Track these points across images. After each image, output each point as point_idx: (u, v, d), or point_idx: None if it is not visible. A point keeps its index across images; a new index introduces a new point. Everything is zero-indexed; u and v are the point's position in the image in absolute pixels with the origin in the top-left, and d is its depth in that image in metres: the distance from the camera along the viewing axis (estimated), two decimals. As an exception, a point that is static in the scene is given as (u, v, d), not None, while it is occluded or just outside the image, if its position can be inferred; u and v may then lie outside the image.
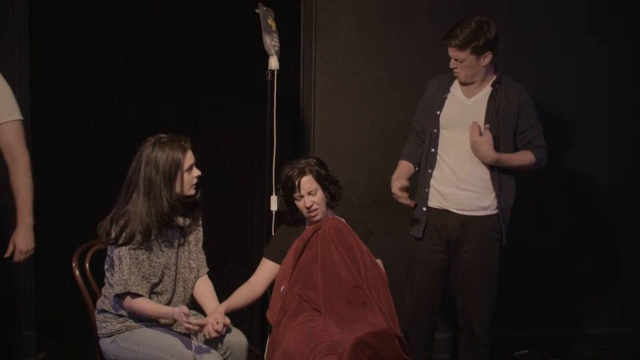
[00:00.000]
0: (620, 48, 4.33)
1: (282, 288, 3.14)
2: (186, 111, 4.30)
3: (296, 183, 3.17)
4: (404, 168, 3.47)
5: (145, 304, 2.91)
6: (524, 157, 3.30)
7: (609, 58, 4.32)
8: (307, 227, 3.29)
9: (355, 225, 3.26)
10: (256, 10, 3.56)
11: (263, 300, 3.46)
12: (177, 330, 3.03)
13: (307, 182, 3.18)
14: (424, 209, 3.43)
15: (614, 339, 4.43)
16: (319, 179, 3.21)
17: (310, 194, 3.19)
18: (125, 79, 4.25)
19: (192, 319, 2.84)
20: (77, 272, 3.07)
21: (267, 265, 3.28)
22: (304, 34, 4.16)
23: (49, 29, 4.13)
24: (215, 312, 3.05)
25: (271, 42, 3.52)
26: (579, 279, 4.40)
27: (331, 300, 2.99)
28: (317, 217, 3.21)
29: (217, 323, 2.97)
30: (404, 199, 3.31)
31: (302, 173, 3.18)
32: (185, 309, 2.82)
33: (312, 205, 3.18)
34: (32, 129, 4.09)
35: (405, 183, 3.34)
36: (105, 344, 2.98)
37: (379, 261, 3.23)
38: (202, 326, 2.89)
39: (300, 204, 3.21)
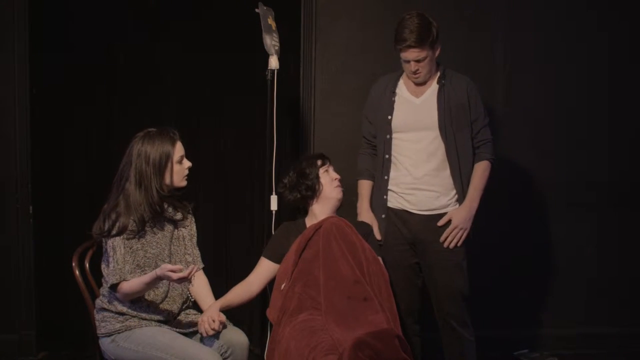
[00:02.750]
0: (619, 46, 4.33)
1: (282, 286, 3.14)
2: (186, 111, 4.31)
3: (325, 158, 3.34)
4: (366, 191, 3.50)
5: (132, 281, 2.89)
6: (483, 174, 3.35)
7: (609, 55, 4.32)
8: (307, 226, 3.29)
9: (355, 225, 3.27)
10: (256, 10, 3.56)
11: (263, 300, 3.46)
12: (177, 330, 3.03)
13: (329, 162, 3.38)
14: (383, 216, 3.43)
15: (613, 339, 4.43)
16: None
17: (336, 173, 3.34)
18: (125, 79, 4.25)
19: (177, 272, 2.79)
20: (77, 272, 3.06)
21: (265, 265, 3.28)
22: (304, 34, 4.16)
23: (49, 29, 4.13)
24: (210, 309, 3.05)
25: (271, 42, 3.52)
26: (578, 278, 4.40)
27: (332, 297, 2.99)
28: (339, 194, 3.31)
29: (213, 321, 2.98)
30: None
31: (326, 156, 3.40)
32: (166, 265, 2.79)
33: (339, 176, 3.31)
34: (32, 129, 4.10)
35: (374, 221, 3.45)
36: (105, 343, 2.98)
37: (379, 259, 3.23)
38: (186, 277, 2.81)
39: (328, 175, 3.30)
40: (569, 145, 4.33)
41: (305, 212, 3.36)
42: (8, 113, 4.06)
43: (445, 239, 3.29)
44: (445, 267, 3.34)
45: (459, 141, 3.30)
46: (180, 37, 4.25)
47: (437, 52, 3.28)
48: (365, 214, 3.47)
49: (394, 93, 3.39)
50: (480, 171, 3.34)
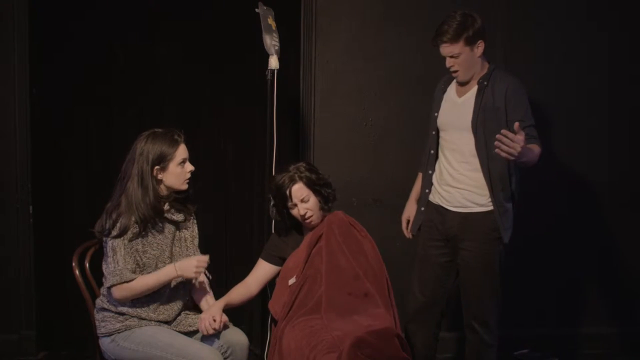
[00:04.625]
0: (620, 46, 4.33)
1: (290, 281, 3.12)
2: (186, 111, 4.30)
3: (287, 192, 3.14)
4: (417, 185, 3.56)
5: (141, 280, 2.92)
6: (537, 150, 3.17)
7: (609, 56, 4.32)
8: (304, 234, 3.28)
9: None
10: (256, 10, 3.56)
11: (263, 300, 3.46)
12: (177, 329, 3.03)
13: (299, 190, 3.15)
14: (422, 208, 3.46)
15: (614, 339, 4.43)
16: (310, 184, 3.17)
17: (303, 202, 3.16)
18: (125, 79, 4.25)
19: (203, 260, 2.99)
20: (77, 272, 3.06)
21: (263, 267, 3.27)
22: (304, 34, 4.16)
23: (49, 28, 4.13)
24: (213, 308, 3.06)
25: (271, 42, 3.52)
26: (579, 278, 4.40)
27: (332, 291, 2.99)
28: (313, 223, 3.20)
29: (214, 321, 2.98)
30: (406, 231, 3.58)
31: (293, 181, 3.15)
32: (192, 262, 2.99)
33: (307, 212, 3.16)
34: (32, 129, 4.10)
35: (412, 214, 3.53)
36: (105, 343, 2.98)
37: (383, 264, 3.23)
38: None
39: (295, 212, 3.18)
40: (569, 145, 4.33)
41: None
42: (8, 113, 4.06)
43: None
44: (474, 268, 3.33)
45: (490, 144, 3.21)
46: (180, 37, 4.25)
47: (479, 51, 3.24)
48: (407, 206, 3.58)
49: (444, 91, 3.42)
50: (536, 148, 3.15)
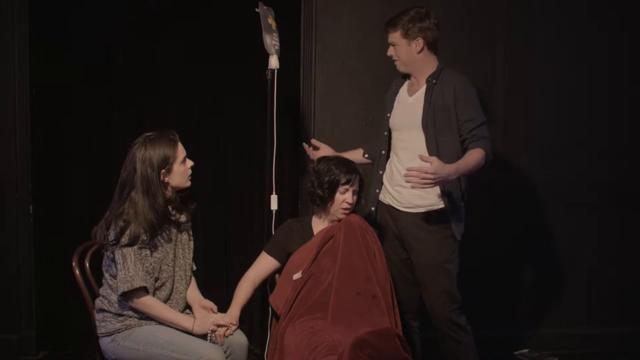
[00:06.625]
0: (620, 46, 4.33)
1: (295, 276, 3.13)
2: (186, 111, 4.31)
3: (353, 177, 3.23)
4: (351, 151, 3.59)
5: (162, 309, 2.95)
6: (475, 156, 3.19)
7: (609, 56, 4.32)
8: (312, 226, 3.28)
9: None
10: (256, 10, 3.56)
11: (263, 300, 3.46)
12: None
13: (357, 182, 3.26)
14: (373, 208, 3.48)
15: (614, 339, 4.43)
16: (361, 185, 3.29)
17: (354, 193, 3.24)
18: (125, 79, 4.25)
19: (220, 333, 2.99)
20: (77, 272, 3.06)
21: (267, 261, 3.27)
22: (304, 34, 4.17)
23: (49, 28, 4.13)
24: (230, 315, 3.07)
25: (271, 41, 3.52)
26: (578, 278, 4.40)
27: (340, 290, 2.99)
28: (347, 214, 3.24)
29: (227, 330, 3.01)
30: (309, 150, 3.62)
31: (357, 172, 3.27)
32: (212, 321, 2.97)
33: (352, 202, 3.23)
34: (32, 129, 4.10)
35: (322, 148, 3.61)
36: (105, 343, 2.98)
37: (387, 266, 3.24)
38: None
39: (342, 197, 3.21)
40: (569, 145, 4.33)
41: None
42: (8, 113, 4.06)
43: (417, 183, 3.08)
44: (428, 267, 3.34)
45: (441, 141, 3.27)
46: (180, 37, 4.25)
47: (416, 48, 3.29)
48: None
49: (396, 92, 3.46)
50: (475, 154, 3.20)
